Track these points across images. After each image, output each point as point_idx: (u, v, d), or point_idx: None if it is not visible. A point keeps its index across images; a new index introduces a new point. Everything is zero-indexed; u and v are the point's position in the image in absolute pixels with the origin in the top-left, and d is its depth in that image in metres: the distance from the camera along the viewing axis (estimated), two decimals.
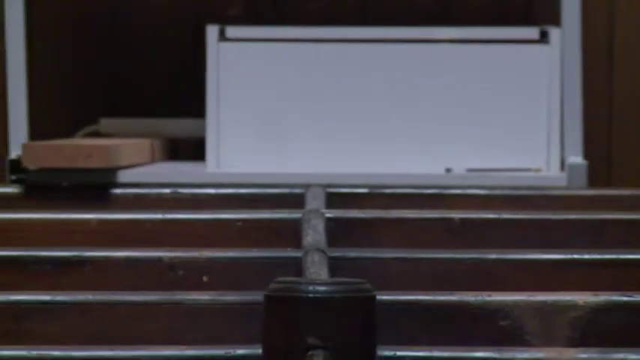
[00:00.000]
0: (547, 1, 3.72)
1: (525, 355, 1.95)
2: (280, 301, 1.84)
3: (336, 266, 2.39)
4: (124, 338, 2.08)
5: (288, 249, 2.64)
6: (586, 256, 2.57)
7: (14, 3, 3.58)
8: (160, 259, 2.56)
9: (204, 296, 2.27)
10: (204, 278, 2.46)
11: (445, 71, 3.54)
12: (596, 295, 2.22)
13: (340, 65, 3.53)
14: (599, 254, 2.59)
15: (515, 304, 2.19)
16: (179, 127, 3.74)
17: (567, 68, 3.53)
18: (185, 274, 2.48)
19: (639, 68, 4.19)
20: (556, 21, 3.59)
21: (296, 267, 2.39)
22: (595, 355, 1.92)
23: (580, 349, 2.04)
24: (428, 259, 2.57)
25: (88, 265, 2.53)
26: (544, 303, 2.20)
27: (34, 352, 1.91)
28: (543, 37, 3.54)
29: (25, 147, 3.40)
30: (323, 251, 2.53)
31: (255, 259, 2.53)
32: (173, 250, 2.62)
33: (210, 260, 2.54)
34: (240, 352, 1.87)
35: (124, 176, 3.36)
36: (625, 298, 2.23)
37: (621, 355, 1.91)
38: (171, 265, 2.53)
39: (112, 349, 1.91)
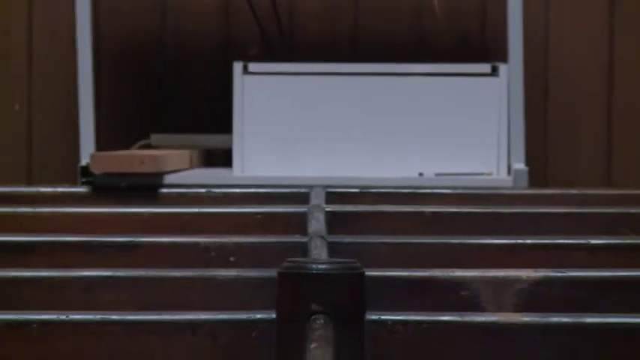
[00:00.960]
0: (497, 41, 3.69)
1: (482, 318, 1.94)
2: (290, 277, 1.83)
3: (333, 249, 2.39)
4: (169, 306, 2.07)
5: (297, 235, 2.63)
6: (528, 241, 2.57)
7: (84, 51, 3.57)
8: (197, 244, 2.55)
9: (231, 272, 2.26)
10: (232, 258, 2.46)
11: (419, 98, 3.55)
12: (536, 271, 2.22)
13: (337, 92, 3.54)
14: (537, 239, 2.59)
15: (474, 279, 2.19)
16: (212, 140, 3.74)
17: (512, 95, 3.54)
18: (216, 255, 2.48)
19: (569, 95, 4.17)
20: (504, 57, 3.58)
21: (302, 249, 2.40)
22: (536, 319, 1.91)
23: (524, 313, 2.03)
24: (405, 243, 2.57)
25: (141, 248, 2.53)
26: (495, 277, 2.19)
27: (98, 317, 1.90)
28: (494, 71, 3.53)
29: (92, 156, 3.39)
30: (323, 237, 2.53)
31: (270, 243, 2.53)
32: (207, 237, 2.62)
33: (236, 244, 2.54)
34: (259, 316, 1.86)
35: (169, 179, 3.36)
36: (559, 274, 2.23)
37: (556, 319, 1.90)
38: (206, 248, 2.52)
39: (158, 314, 1.90)
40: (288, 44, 4.10)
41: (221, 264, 2.42)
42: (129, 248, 2.53)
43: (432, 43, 4.16)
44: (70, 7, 3.70)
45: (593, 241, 2.56)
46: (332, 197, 3.09)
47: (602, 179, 4.17)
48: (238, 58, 3.57)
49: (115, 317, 1.92)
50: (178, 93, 4.12)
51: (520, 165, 3.52)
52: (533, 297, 2.14)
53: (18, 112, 4.20)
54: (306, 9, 4.21)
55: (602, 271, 2.31)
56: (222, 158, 3.62)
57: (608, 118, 4.21)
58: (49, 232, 2.73)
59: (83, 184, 3.37)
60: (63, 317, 1.90)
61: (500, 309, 2.11)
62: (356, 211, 2.96)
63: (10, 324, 1.88)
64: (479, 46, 4.03)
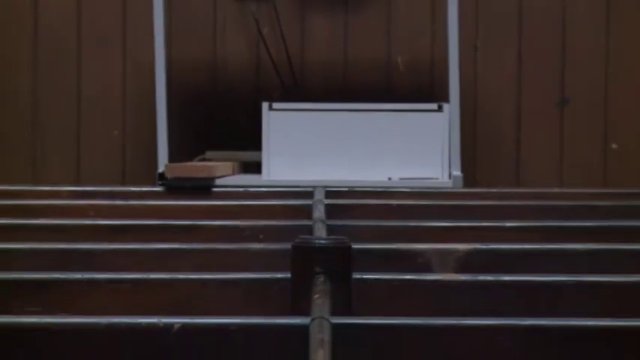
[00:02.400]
0: (442, 88, 3.66)
1: (432, 277, 1.94)
2: (300, 249, 1.82)
3: (330, 230, 2.38)
4: (218, 268, 2.06)
5: (305, 220, 2.63)
6: (463, 224, 2.56)
7: (160, 93, 3.55)
8: (237, 226, 2.55)
9: (260, 245, 2.26)
10: (260, 236, 2.45)
11: (389, 126, 3.54)
12: (469, 245, 2.20)
13: (333, 122, 3.53)
14: (469, 223, 2.58)
15: (426, 250, 2.17)
16: (248, 156, 3.73)
17: (452, 124, 3.52)
18: (250, 233, 2.47)
19: (490, 123, 4.15)
20: (446, 98, 3.57)
21: (309, 230, 2.39)
22: (468, 278, 1.90)
23: (460, 274, 2.02)
24: (380, 225, 2.57)
25: (200, 229, 2.52)
26: (441, 249, 2.18)
27: (169, 276, 1.89)
28: (439, 108, 3.51)
29: (166, 166, 3.38)
30: (323, 222, 2.52)
31: (287, 225, 2.53)
32: (244, 221, 2.60)
33: (264, 226, 2.53)
34: (279, 275, 1.86)
35: (218, 182, 3.36)
36: (483, 247, 2.21)
37: (482, 277, 1.90)
38: (243, 228, 2.52)
39: (212, 274, 1.90)
40: (299, 90, 4.08)
41: (253, 240, 2.42)
42: (191, 229, 2.53)
43: (398, 88, 4.13)
44: (151, 59, 3.67)
45: (507, 224, 2.56)
46: (329, 194, 3.08)
47: (513, 182, 4.15)
48: (265, 99, 3.55)
49: (180, 277, 1.91)
50: (225, 122, 4.08)
51: (457, 172, 3.50)
52: (467, 263, 2.13)
53: (116, 136, 4.18)
54: (312, 65, 4.18)
55: (514, 244, 2.30)
56: (254, 167, 3.61)
57: (517, 140, 4.19)
58: (137, 218, 2.72)
59: (159, 185, 3.36)
60: (146, 276, 1.89)
61: (444, 271, 2.11)
62: (346, 203, 2.96)
63: (111, 281, 1.88)
64: (429, 91, 4.00)
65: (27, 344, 1.49)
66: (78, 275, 1.91)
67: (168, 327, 1.49)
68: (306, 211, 2.75)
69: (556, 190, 3.71)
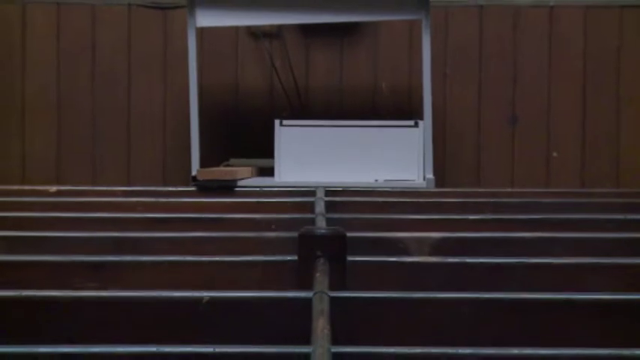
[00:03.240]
0: (417, 107, 3.64)
1: (410, 259, 1.92)
2: (305, 237, 1.81)
3: (329, 222, 2.37)
4: (240, 252, 2.05)
5: (308, 214, 2.62)
6: (435, 217, 2.54)
7: (194, 113, 3.55)
8: (254, 218, 2.53)
9: (273, 234, 2.24)
10: (273, 226, 2.43)
11: (376, 139, 3.51)
12: (439, 233, 2.19)
13: (331, 135, 3.50)
14: (440, 215, 2.56)
15: (405, 237, 2.16)
16: (263, 162, 3.70)
17: (426, 137, 3.49)
18: (265, 224, 2.46)
19: (457, 135, 4.13)
20: (421, 116, 3.56)
21: (312, 222, 2.38)
22: (439, 260, 1.89)
23: (433, 257, 2.01)
24: (368, 218, 2.55)
25: (225, 221, 2.50)
26: (417, 236, 2.17)
27: (203, 259, 1.88)
28: (416, 125, 3.48)
29: (198, 170, 3.36)
30: (323, 215, 2.50)
31: (294, 218, 2.52)
32: (260, 214, 2.59)
33: (275, 218, 2.51)
34: (288, 258, 1.85)
35: (240, 183, 3.33)
36: (452, 235, 2.20)
37: (451, 260, 1.88)
38: (259, 220, 2.50)
39: (236, 257, 1.89)
40: (304, 109, 4.07)
41: (267, 229, 2.40)
42: (217, 220, 2.51)
43: (382, 108, 4.12)
44: (186, 84, 3.66)
45: (470, 217, 2.54)
46: (328, 193, 3.06)
47: (474, 183, 4.14)
48: (277, 117, 3.54)
49: (209, 259, 1.90)
50: (245, 135, 4.08)
51: (430, 175, 3.48)
52: (438, 248, 2.12)
53: (158, 145, 4.17)
54: (314, 90, 4.17)
55: (476, 233, 2.29)
56: (268, 172, 3.58)
57: (477, 149, 4.17)
58: (174, 212, 2.71)
59: (192, 185, 3.34)
60: (182, 259, 1.89)
61: (420, 254, 2.09)
62: (341, 200, 2.94)
63: (153, 262, 1.87)
64: (407, 110, 3.99)
65: (87, 314, 1.48)
66: (127, 258, 1.91)
67: (199, 299, 1.49)
68: (310, 207, 2.74)
69: (508, 189, 3.71)
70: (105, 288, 1.75)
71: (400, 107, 4.06)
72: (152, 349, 1.20)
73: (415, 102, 3.88)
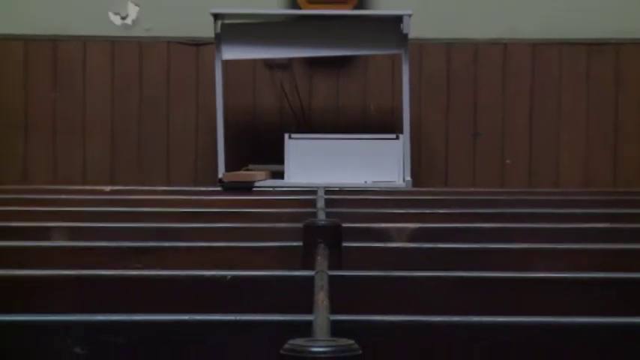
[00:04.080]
0: (398, 123, 3.65)
1: (393, 245, 1.93)
2: (309, 227, 1.80)
3: (328, 215, 2.36)
4: (254, 239, 2.04)
5: (311, 209, 2.61)
6: (412, 211, 2.54)
7: (220, 127, 3.56)
8: (268, 212, 2.53)
9: (283, 225, 2.24)
10: (282, 218, 2.42)
11: (365, 149, 3.53)
12: (415, 224, 2.19)
13: (329, 146, 3.52)
14: (417, 210, 2.56)
15: (388, 227, 2.15)
16: (275, 167, 3.71)
17: (405, 147, 3.52)
18: (276, 217, 2.45)
19: (429, 145, 4.14)
20: (402, 130, 3.57)
21: (314, 215, 2.37)
22: (416, 245, 1.89)
23: (411, 243, 2.00)
24: (360, 211, 2.54)
25: (246, 214, 2.50)
26: (398, 227, 2.16)
27: (222, 244, 1.88)
28: (397, 137, 3.50)
29: (223, 174, 3.37)
30: (323, 209, 2.50)
31: (300, 211, 2.50)
32: (272, 208, 2.59)
33: (284, 212, 2.51)
34: (295, 244, 1.84)
35: (257, 184, 3.33)
36: (426, 225, 2.19)
37: (426, 245, 1.88)
38: (272, 214, 2.50)
39: (250, 243, 1.88)
40: (308, 125, 4.08)
41: (277, 221, 2.38)
42: (239, 214, 2.51)
43: (370, 124, 4.13)
44: (214, 106, 3.66)
45: (440, 211, 2.54)
46: (327, 192, 3.06)
47: (443, 184, 4.14)
48: (286, 132, 3.56)
49: (232, 244, 1.90)
50: (261, 146, 4.08)
51: (408, 178, 3.48)
52: (415, 235, 2.11)
53: (191, 154, 4.18)
54: (315, 110, 4.18)
55: (445, 224, 2.29)
56: (279, 175, 3.58)
57: (446, 157, 4.18)
58: (204, 207, 2.70)
59: (219, 186, 3.35)
60: (210, 244, 1.88)
61: (400, 241, 2.09)
62: (338, 198, 2.94)
63: (187, 247, 1.86)
64: (390, 126, 3.99)
65: (133, 290, 1.48)
66: (166, 244, 1.90)
67: (223, 277, 1.48)
68: (312, 203, 2.73)
69: (471, 189, 3.71)
70: (148, 268, 1.74)
71: (384, 124, 4.06)
72: (185, 317, 1.19)
73: (396, 119, 3.88)
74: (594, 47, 4.13)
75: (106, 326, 1.17)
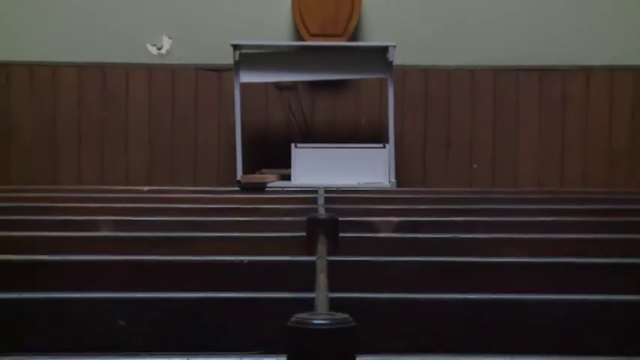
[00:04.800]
0: (385, 134, 3.65)
1: (381, 235, 1.92)
2: (311, 220, 1.78)
3: (327, 210, 2.34)
4: (265, 230, 2.02)
5: (313, 205, 2.59)
6: (396, 207, 2.52)
7: (238, 139, 3.55)
8: (276, 207, 2.50)
9: (289, 218, 2.21)
10: (289, 213, 2.39)
11: (358, 157, 3.52)
12: (399, 218, 2.17)
13: (328, 155, 3.51)
14: (399, 206, 2.54)
15: (377, 221, 2.14)
16: (284, 171, 3.70)
17: (389, 156, 3.51)
18: (283, 212, 2.42)
19: (408, 152, 4.13)
20: (387, 140, 3.56)
21: (315, 210, 2.35)
22: (400, 235, 1.87)
23: (395, 233, 1.99)
24: (352, 207, 2.51)
25: (259, 210, 2.47)
26: (385, 220, 2.15)
27: (235, 234, 1.86)
28: (384, 146, 3.49)
29: (241, 176, 3.36)
30: (323, 206, 2.48)
31: (303, 207, 2.48)
32: (280, 204, 2.56)
33: (291, 208, 2.48)
34: (298, 234, 1.82)
35: (269, 185, 3.32)
36: (407, 219, 2.18)
37: (408, 235, 1.87)
38: (280, 209, 2.47)
39: (262, 233, 1.87)
40: (310, 136, 4.07)
41: (285, 215, 2.36)
42: (253, 209, 2.48)
43: (362, 135, 4.12)
44: (233, 121, 3.66)
45: (418, 207, 2.52)
46: (327, 191, 3.04)
47: (423, 185, 4.13)
48: (292, 142, 3.55)
49: (246, 235, 1.88)
50: (272, 153, 4.07)
51: (393, 180, 3.48)
52: (399, 227, 2.10)
53: (215, 161, 4.17)
54: (317, 124, 4.18)
55: (422, 217, 2.27)
56: (287, 177, 3.57)
57: (424, 163, 4.18)
58: (225, 204, 2.68)
59: (237, 186, 3.34)
60: (228, 235, 1.87)
61: (386, 231, 2.08)
62: (335, 196, 2.90)
63: (209, 237, 1.85)
64: (378, 137, 3.98)
65: (166, 273, 1.47)
66: (194, 234, 1.89)
67: (240, 262, 1.47)
68: (314, 200, 2.71)
69: (443, 189, 3.69)
70: (179, 254, 1.73)
71: (373, 135, 4.05)
72: (210, 294, 1.18)
73: (383, 131, 3.88)
74: (545, 73, 4.12)
75: (143, 302, 1.16)
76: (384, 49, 3.60)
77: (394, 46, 3.56)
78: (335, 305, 1.03)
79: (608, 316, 1.12)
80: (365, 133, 4.13)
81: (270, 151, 4.06)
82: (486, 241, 1.86)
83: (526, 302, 1.16)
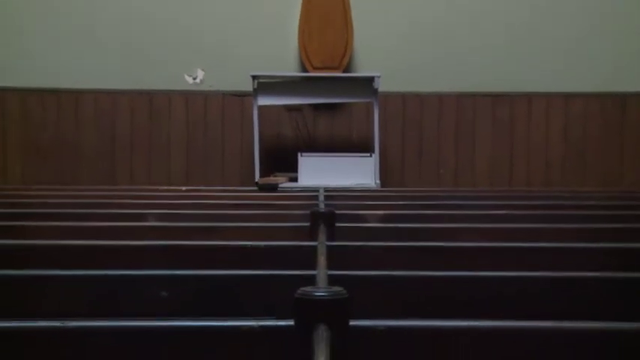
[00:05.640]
0: (372, 145, 3.62)
1: (369, 224, 1.89)
2: (314, 214, 1.76)
3: (326, 205, 2.31)
4: (279, 220, 1.99)
5: (314, 201, 2.55)
6: (380, 202, 2.49)
7: (256, 151, 3.52)
8: (285, 203, 2.47)
9: (296, 211, 2.18)
10: (294, 207, 2.36)
11: (350, 164, 3.49)
12: (384, 211, 2.15)
13: (326, 161, 3.49)
14: (383, 202, 2.51)
15: (367, 214, 2.12)
16: (292, 174, 3.66)
17: (375, 162, 3.47)
18: (290, 207, 2.39)
19: (392, 159, 4.11)
20: (373, 150, 3.53)
21: (317, 205, 2.31)
22: (384, 225, 1.85)
23: (380, 223, 1.96)
24: (347, 203, 2.48)
25: (274, 205, 2.45)
26: (372, 213, 2.12)
27: (262, 224, 1.83)
28: (371, 155, 3.47)
29: (259, 179, 3.34)
30: (323, 202, 2.46)
31: (307, 203, 2.44)
32: (288, 201, 2.54)
33: (297, 203, 2.45)
34: (303, 224, 1.80)
35: (280, 186, 3.29)
36: (393, 212, 2.15)
37: (389, 225, 1.84)
38: (287, 204, 2.45)
39: (272, 223, 1.84)
40: (313, 147, 4.04)
41: (293, 209, 2.34)
42: (269, 204, 2.45)
43: (355, 147, 4.09)
44: (252, 134, 3.63)
45: (399, 202, 2.50)
46: (326, 191, 3.01)
47: (400, 186, 4.11)
48: (299, 151, 3.53)
49: (262, 224, 1.86)
50: (283, 160, 4.04)
51: (378, 181, 3.46)
52: (383, 218, 2.08)
53: (238, 166, 4.14)
54: (318, 137, 4.15)
55: (403, 211, 2.25)
56: (295, 179, 3.54)
57: (402, 169, 4.15)
58: (245, 200, 2.65)
59: (255, 186, 3.31)
60: (247, 224, 1.84)
61: (374, 222, 2.05)
62: (332, 194, 2.88)
63: (234, 227, 1.82)
64: (366, 148, 3.95)
65: (200, 256, 1.45)
66: (222, 224, 1.87)
67: (259, 246, 1.45)
68: (316, 198, 2.69)
69: (417, 188, 3.66)
70: (209, 240, 1.71)
71: (363, 146, 4.03)
72: (234, 272, 1.16)
73: (370, 144, 3.85)
74: (496, 98, 4.10)
75: (182, 278, 1.14)
76: (370, 79, 3.60)
77: (379, 77, 3.56)
78: (332, 280, 1.01)
79: (550, 289, 1.10)
80: (356, 145, 4.10)
81: (281, 159, 4.04)
82: (452, 229, 1.84)
83: (485, 278, 1.13)
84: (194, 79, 4.14)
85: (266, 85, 3.67)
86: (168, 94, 4.10)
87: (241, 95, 4.09)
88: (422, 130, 4.13)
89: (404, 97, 4.13)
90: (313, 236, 1.67)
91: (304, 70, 4.03)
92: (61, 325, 0.81)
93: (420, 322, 0.87)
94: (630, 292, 1.08)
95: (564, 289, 1.09)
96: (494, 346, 0.82)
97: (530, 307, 1.08)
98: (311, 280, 1.06)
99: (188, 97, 4.12)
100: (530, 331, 0.83)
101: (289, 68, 4.08)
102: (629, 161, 4.11)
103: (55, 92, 4.02)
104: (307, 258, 1.36)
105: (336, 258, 1.37)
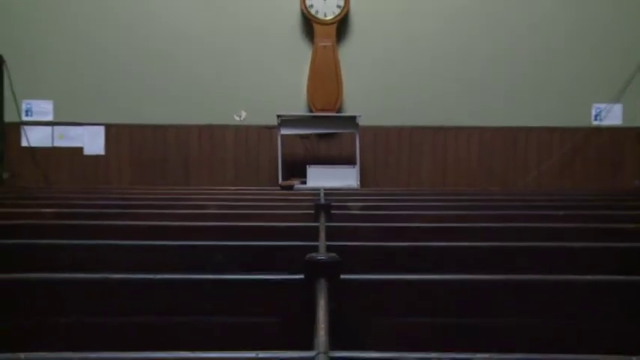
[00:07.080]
0: (354, 157, 3.56)
1: (353, 212, 1.83)
2: (317, 205, 1.72)
3: (325, 200, 2.25)
4: (291, 208, 1.94)
5: (317, 199, 2.40)
6: (361, 197, 2.42)
7: (279, 162, 3.47)
8: (298, 198, 2.41)
9: (305, 204, 2.13)
10: (298, 205, 2.24)
11: (342, 171, 3.44)
12: (363, 204, 2.11)
13: (326, 171, 3.44)
14: (363, 197, 2.45)
15: (353, 205, 2.08)
16: (303, 179, 3.59)
17: (357, 170, 3.42)
18: (299, 202, 2.29)
19: (368, 170, 4.06)
20: (356, 162, 3.47)
21: (319, 200, 2.25)
22: (362, 212, 1.81)
23: (361, 211, 1.92)
24: (340, 197, 2.41)
25: (289, 199, 2.37)
26: (355, 204, 2.08)
27: (280, 212, 1.79)
28: (354, 166, 3.42)
29: (281, 182, 3.29)
30: (323, 197, 2.40)
31: (313, 198, 2.37)
32: (301, 197, 2.47)
33: (305, 198, 2.39)
34: (310, 212, 1.75)
35: (295, 187, 3.22)
36: (368, 203, 2.10)
37: (367, 212, 1.80)
38: (296, 199, 2.37)
39: (288, 210, 1.78)
40: (316, 161, 3.98)
41: (302, 202, 2.27)
42: (286, 199, 2.39)
43: (343, 160, 4.03)
44: (276, 153, 3.57)
45: (374, 197, 2.44)
46: (325, 190, 2.96)
47: (373, 185, 4.05)
48: (307, 164, 3.48)
49: (282, 212, 1.82)
50: (296, 169, 3.97)
51: (359, 183, 3.41)
52: (363, 208, 2.04)
53: (267, 173, 4.09)
54: (320, 156, 4.10)
55: (377, 203, 2.20)
56: (305, 182, 3.49)
57: (375, 174, 4.10)
58: (272, 196, 2.58)
59: (278, 187, 3.25)
60: (271, 212, 1.79)
61: (355, 210, 2.01)
62: (329, 192, 2.83)
63: (256, 214, 1.77)
64: (352, 161, 3.89)
65: (243, 233, 1.42)
66: (254, 211, 1.83)
67: (280, 226, 1.42)
68: (318, 194, 2.64)
69: (385, 189, 3.61)
70: (249, 222, 1.66)
71: (349, 160, 3.97)
72: (263, 243, 1.13)
73: (354, 159, 3.79)
74: (436, 130, 4.06)
75: (232, 247, 1.12)
76: (354, 117, 3.62)
77: (359, 116, 3.59)
78: (330, 249, 0.99)
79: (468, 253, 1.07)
80: (344, 159, 4.05)
81: (296, 169, 4.00)
82: (407, 215, 1.80)
83: (429, 247, 1.11)
84: (239, 117, 4.14)
85: (286, 120, 3.68)
86: (222, 128, 4.09)
87: (270, 127, 4.05)
88: (387, 150, 4.11)
89: (375, 129, 4.11)
90: (316, 219, 1.64)
91: (310, 110, 4.02)
92: (153, 277, 0.85)
93: (390, 275, 0.86)
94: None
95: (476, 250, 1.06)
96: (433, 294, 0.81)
97: (468, 264, 1.05)
98: (315, 249, 1.04)
99: (236, 129, 4.11)
100: (478, 282, 0.84)
101: (301, 109, 4.07)
102: (519, 171, 4.12)
103: (154, 127, 4.05)
104: (312, 234, 1.34)
105: (332, 234, 1.34)
